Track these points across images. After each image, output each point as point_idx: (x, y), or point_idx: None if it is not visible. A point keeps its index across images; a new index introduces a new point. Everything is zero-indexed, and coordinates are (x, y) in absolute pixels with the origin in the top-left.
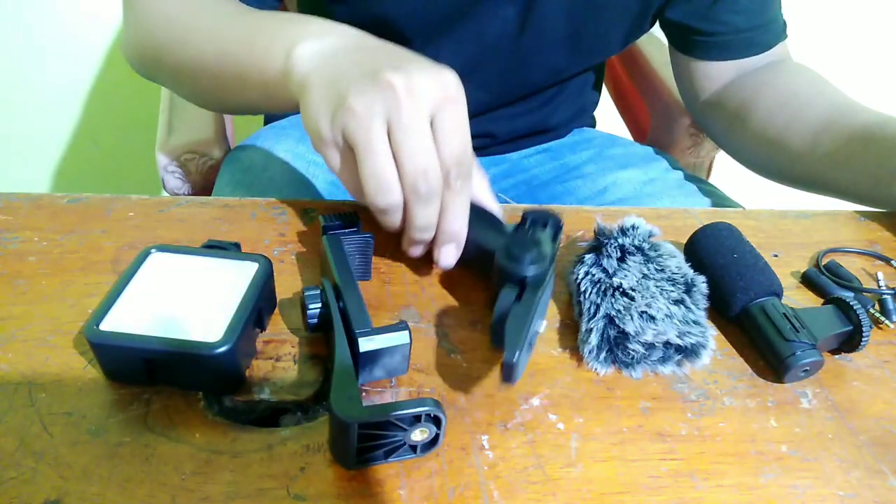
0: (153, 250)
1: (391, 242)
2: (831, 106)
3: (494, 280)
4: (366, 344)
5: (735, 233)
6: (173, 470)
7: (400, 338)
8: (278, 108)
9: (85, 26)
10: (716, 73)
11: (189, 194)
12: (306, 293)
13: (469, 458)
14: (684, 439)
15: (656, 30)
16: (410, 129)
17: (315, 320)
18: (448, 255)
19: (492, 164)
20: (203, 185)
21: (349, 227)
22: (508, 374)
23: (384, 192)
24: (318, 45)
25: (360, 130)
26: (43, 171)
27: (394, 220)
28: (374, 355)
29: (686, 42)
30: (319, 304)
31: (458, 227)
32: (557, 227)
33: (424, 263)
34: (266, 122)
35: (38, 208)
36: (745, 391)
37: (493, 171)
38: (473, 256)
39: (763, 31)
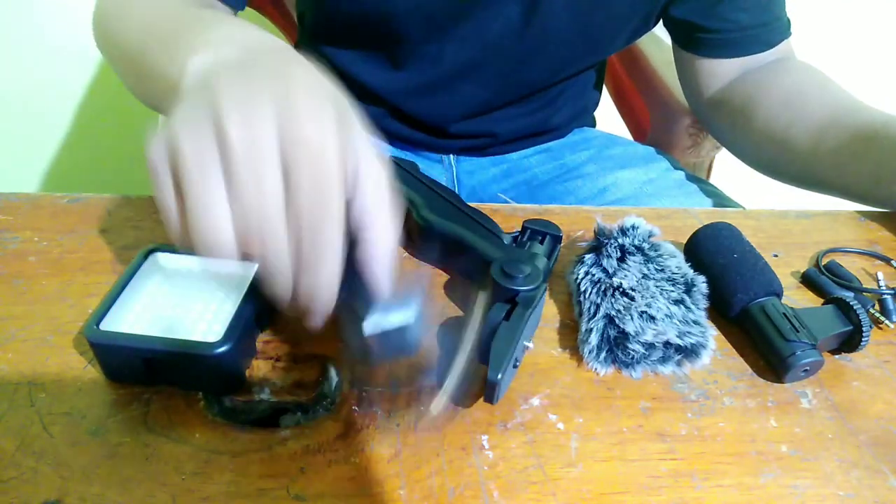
0: (153, 250)
1: None
2: (835, 104)
3: (487, 291)
4: (371, 326)
5: (735, 233)
6: (173, 470)
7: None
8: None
9: (85, 26)
10: (720, 71)
11: None
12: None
13: (469, 458)
14: (684, 439)
15: (657, 29)
16: (246, 162)
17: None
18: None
19: (492, 164)
20: None
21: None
22: (491, 394)
23: (210, 234)
24: (207, 59)
25: (186, 166)
26: (43, 171)
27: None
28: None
29: (690, 39)
30: None
31: (320, 295)
32: (555, 242)
33: (424, 264)
34: None
35: (38, 208)
36: (745, 391)
37: (493, 170)
38: (469, 265)
39: (767, 29)
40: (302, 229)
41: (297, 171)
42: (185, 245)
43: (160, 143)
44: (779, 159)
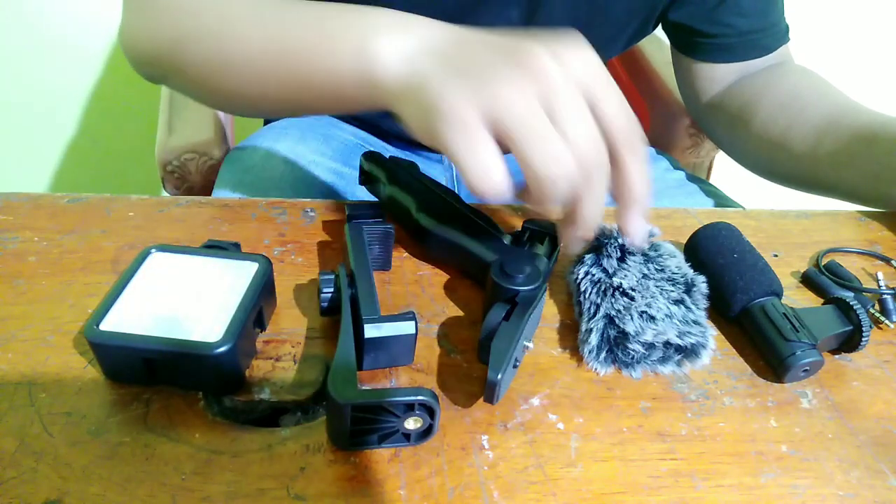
0: (153, 250)
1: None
2: (833, 107)
3: (487, 291)
4: (371, 331)
5: (735, 233)
6: (173, 470)
7: (406, 327)
8: (345, 108)
9: (85, 26)
10: (718, 75)
11: (189, 194)
12: (321, 277)
13: (469, 458)
14: (684, 439)
15: (657, 30)
16: (571, 109)
17: (326, 304)
18: (639, 225)
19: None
20: (203, 185)
21: (373, 218)
22: (490, 394)
23: (564, 167)
24: (407, 39)
25: (520, 113)
26: (43, 171)
27: (555, 207)
28: (380, 343)
29: (689, 44)
30: (332, 289)
31: (644, 190)
32: (555, 242)
33: (424, 263)
34: (266, 122)
35: (38, 208)
36: (745, 391)
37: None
38: (469, 265)
39: (766, 34)
40: (621, 138)
41: (603, 93)
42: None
43: (465, 101)
44: (777, 162)
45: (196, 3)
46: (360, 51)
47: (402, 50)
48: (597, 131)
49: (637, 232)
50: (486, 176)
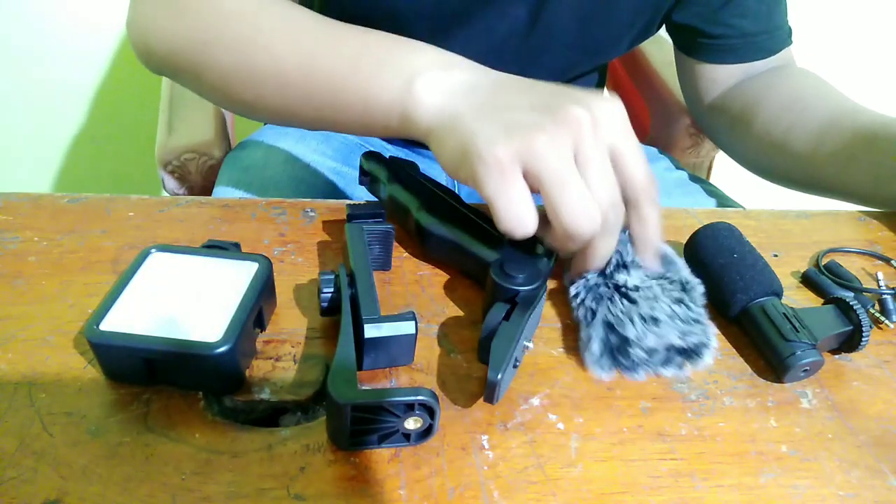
0: (153, 250)
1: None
2: (835, 108)
3: (487, 291)
4: (371, 331)
5: (735, 233)
6: (173, 470)
7: (406, 327)
8: (374, 133)
9: (85, 27)
10: (720, 77)
11: (189, 194)
12: (321, 277)
13: (469, 458)
14: (684, 439)
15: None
16: (599, 163)
17: (326, 304)
18: (653, 263)
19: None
20: (203, 185)
21: (373, 218)
22: (490, 394)
23: (590, 221)
24: (448, 78)
25: (555, 164)
26: (43, 171)
27: (576, 249)
28: (379, 343)
29: (692, 45)
30: (332, 289)
31: (658, 234)
32: None
33: (424, 263)
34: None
35: (38, 208)
36: (745, 391)
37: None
38: (469, 265)
39: (769, 37)
40: (640, 192)
41: (625, 147)
42: (547, 235)
43: (503, 146)
44: (779, 163)
45: (226, 7)
46: (402, 86)
47: (441, 89)
48: (617, 184)
49: (651, 268)
50: (518, 219)
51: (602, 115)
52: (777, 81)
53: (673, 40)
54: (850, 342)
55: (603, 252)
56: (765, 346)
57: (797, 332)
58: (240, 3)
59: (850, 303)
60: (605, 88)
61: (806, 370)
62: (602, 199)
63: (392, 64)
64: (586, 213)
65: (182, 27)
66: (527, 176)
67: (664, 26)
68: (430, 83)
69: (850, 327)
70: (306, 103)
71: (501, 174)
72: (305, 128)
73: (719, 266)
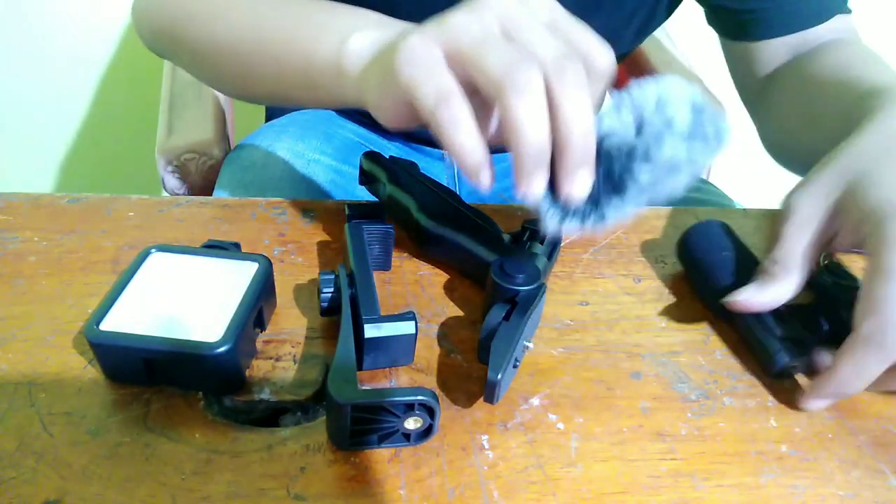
0: (153, 250)
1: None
2: (866, 83)
3: (487, 291)
4: (371, 331)
5: (726, 230)
6: (173, 470)
7: (406, 327)
8: (319, 100)
9: (85, 26)
10: (766, 57)
11: (189, 194)
12: (321, 277)
13: (469, 458)
14: (684, 439)
15: (658, 30)
16: (534, 31)
17: (326, 304)
18: (580, 180)
19: (493, 162)
20: (203, 185)
21: (373, 218)
22: (490, 394)
23: (512, 68)
24: (383, 35)
25: (479, 37)
26: (43, 171)
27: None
28: (379, 343)
29: (730, 27)
30: (332, 289)
31: (582, 129)
32: (555, 243)
33: (424, 263)
34: (267, 121)
35: (38, 208)
36: (745, 391)
37: (494, 168)
38: (469, 265)
39: (809, 3)
40: (557, 53)
41: (569, 32)
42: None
43: (417, 36)
44: (804, 146)
45: None
46: (337, 45)
47: (374, 39)
48: (556, 40)
49: (576, 189)
50: (444, 100)
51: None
52: (822, 56)
53: (716, 29)
54: (841, 336)
55: (573, 113)
56: (755, 344)
57: (786, 329)
58: None
59: (842, 298)
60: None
61: (794, 367)
62: (545, 49)
63: (331, 26)
64: (518, 58)
65: (161, 6)
66: (457, 68)
67: (706, 19)
68: (364, 39)
69: (843, 321)
70: (258, 71)
71: (423, 63)
72: (276, 102)
73: (710, 263)
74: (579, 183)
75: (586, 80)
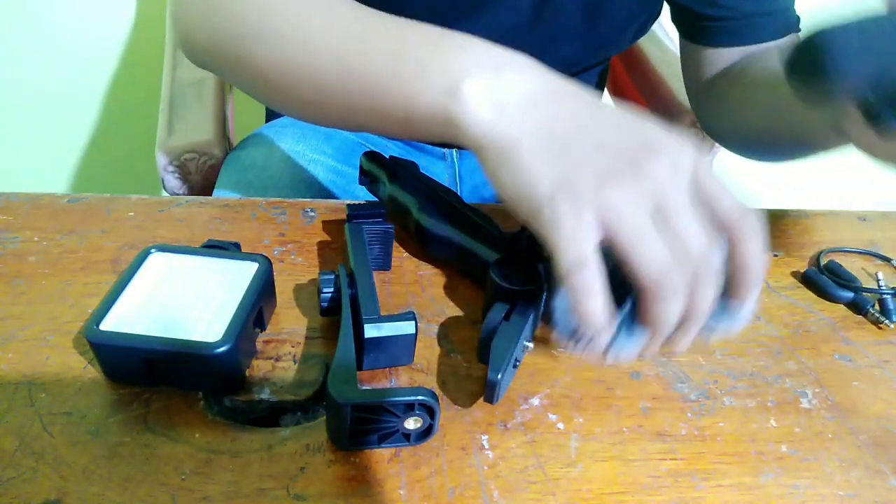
0: (153, 250)
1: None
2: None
3: (487, 291)
4: (371, 331)
5: None
6: (173, 470)
7: (406, 327)
8: (413, 138)
9: (85, 26)
10: (720, 60)
11: (189, 194)
12: (321, 277)
13: (469, 458)
14: (684, 439)
15: (657, 29)
16: (684, 212)
17: (326, 304)
18: (751, 308)
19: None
20: (203, 185)
21: (373, 218)
22: (490, 394)
23: (667, 274)
24: (498, 85)
25: (634, 220)
26: (43, 171)
27: (668, 314)
28: (379, 343)
29: (694, 29)
30: (332, 289)
31: (759, 273)
32: None
33: (424, 263)
34: (267, 121)
35: (38, 208)
36: (745, 391)
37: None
38: (469, 265)
39: (772, 19)
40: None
41: (717, 199)
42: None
43: (573, 203)
44: (740, 130)
45: (263, 6)
46: (447, 90)
47: (491, 99)
48: (706, 230)
49: (684, 347)
50: (581, 266)
51: (681, 158)
52: (766, 56)
53: (677, 27)
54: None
55: (700, 311)
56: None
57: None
58: None
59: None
60: (606, 88)
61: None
62: (693, 247)
63: (434, 64)
64: (665, 257)
65: (221, 19)
66: (602, 228)
67: (669, 15)
68: (477, 91)
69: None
70: (346, 105)
71: (574, 233)
72: (349, 129)
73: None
74: (679, 349)
75: (717, 276)
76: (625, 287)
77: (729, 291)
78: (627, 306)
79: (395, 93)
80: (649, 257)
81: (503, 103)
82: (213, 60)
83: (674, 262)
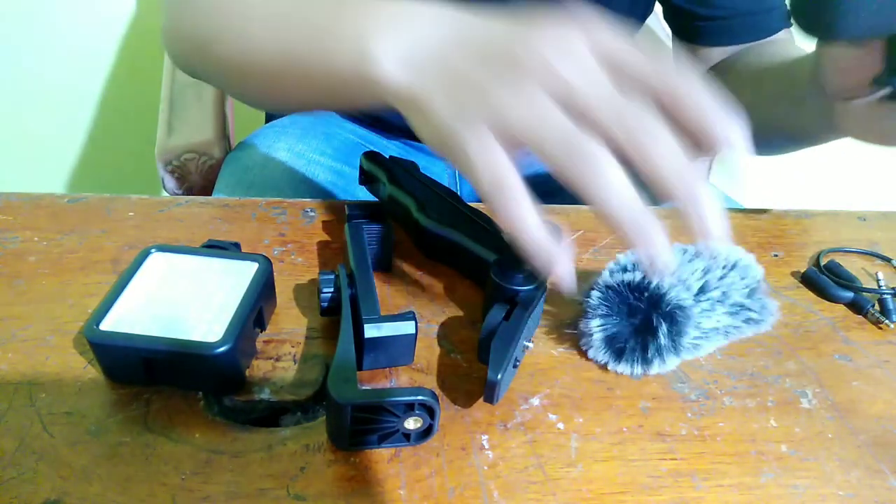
0: (153, 250)
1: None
2: (778, 58)
3: (487, 291)
4: (371, 331)
5: None
6: (173, 470)
7: (406, 327)
8: (351, 108)
9: (85, 27)
10: (713, 57)
11: (189, 194)
12: (321, 277)
13: (469, 458)
14: (684, 439)
15: (657, 28)
16: (581, 85)
17: (326, 304)
18: (715, 218)
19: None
20: (203, 185)
21: (373, 218)
22: (490, 394)
23: (573, 141)
24: (409, 41)
25: (518, 117)
26: (43, 171)
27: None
28: (379, 343)
29: (687, 29)
30: (332, 289)
31: (667, 162)
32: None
33: (424, 263)
34: (267, 121)
35: (38, 208)
36: (745, 391)
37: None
38: (469, 265)
39: (764, 17)
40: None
41: (627, 63)
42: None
43: (464, 123)
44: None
45: (213, 5)
46: (358, 54)
47: (402, 54)
48: (608, 83)
49: (714, 229)
50: (498, 186)
51: (566, 36)
52: (753, 51)
53: (669, 26)
54: None
55: (656, 152)
56: None
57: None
58: None
59: None
60: None
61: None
62: (601, 101)
63: (346, 31)
64: (572, 131)
65: (184, 25)
66: (511, 141)
67: (662, 18)
68: (389, 49)
69: None
70: (288, 88)
71: (481, 156)
72: (307, 111)
73: None
74: (711, 216)
75: (654, 118)
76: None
77: (701, 146)
78: None
79: (319, 68)
80: (550, 137)
81: (408, 57)
82: (191, 68)
83: (577, 139)
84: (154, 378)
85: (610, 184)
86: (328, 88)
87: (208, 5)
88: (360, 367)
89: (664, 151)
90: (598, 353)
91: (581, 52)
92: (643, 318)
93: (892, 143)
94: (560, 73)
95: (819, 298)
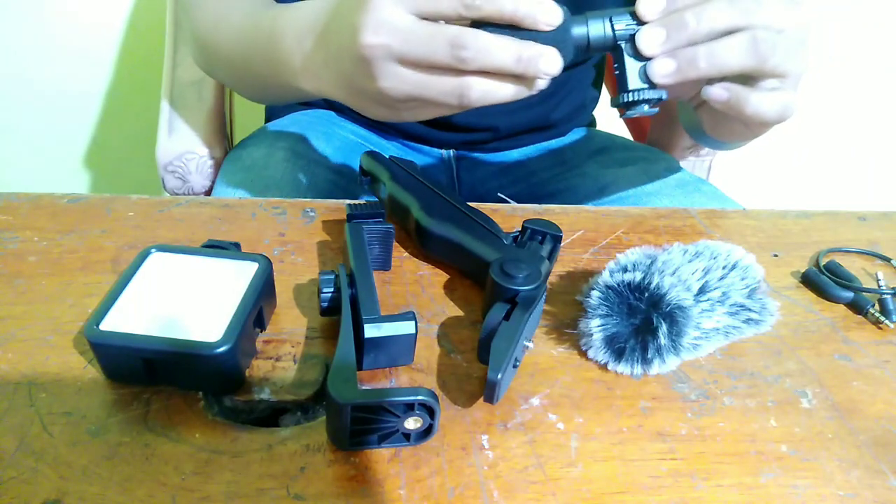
0: (153, 250)
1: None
2: None
3: (487, 291)
4: (371, 331)
5: None
6: (173, 470)
7: (406, 327)
8: (305, 98)
9: (86, 27)
10: None
11: (189, 194)
12: (321, 277)
13: (469, 458)
14: (684, 439)
15: None
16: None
17: (326, 304)
18: (547, 62)
19: (492, 162)
20: (203, 185)
21: (373, 218)
22: (490, 394)
23: (436, 40)
24: (309, 66)
25: (401, 89)
26: (43, 171)
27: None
28: (379, 342)
29: None
30: (332, 289)
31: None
32: (555, 242)
33: (424, 263)
34: (267, 121)
35: (38, 208)
36: (745, 391)
37: (492, 167)
38: (469, 265)
39: None
40: None
41: None
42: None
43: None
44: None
45: (213, 21)
46: (292, 79)
47: (312, 74)
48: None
49: (544, 68)
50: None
51: (385, 9)
52: None
53: None
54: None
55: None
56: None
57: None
58: (219, 8)
59: None
60: (604, 87)
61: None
62: (419, 45)
63: (281, 73)
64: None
65: (198, 38)
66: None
67: None
68: (304, 77)
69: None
70: (263, 87)
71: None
72: (283, 104)
73: None
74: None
75: (466, 33)
76: None
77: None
78: None
79: (273, 84)
80: (426, 93)
81: (318, 76)
82: (211, 73)
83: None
84: (154, 378)
85: (477, 82)
86: (285, 96)
87: (207, 23)
88: (360, 367)
89: (488, 55)
90: (598, 353)
91: (396, 19)
92: (643, 318)
93: (746, 133)
94: (391, 48)
95: (819, 298)
